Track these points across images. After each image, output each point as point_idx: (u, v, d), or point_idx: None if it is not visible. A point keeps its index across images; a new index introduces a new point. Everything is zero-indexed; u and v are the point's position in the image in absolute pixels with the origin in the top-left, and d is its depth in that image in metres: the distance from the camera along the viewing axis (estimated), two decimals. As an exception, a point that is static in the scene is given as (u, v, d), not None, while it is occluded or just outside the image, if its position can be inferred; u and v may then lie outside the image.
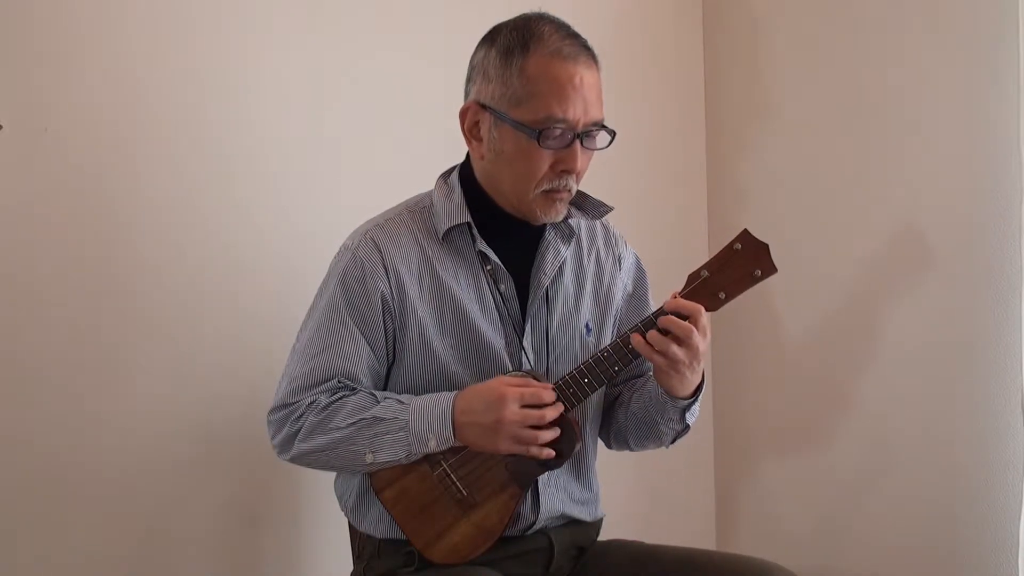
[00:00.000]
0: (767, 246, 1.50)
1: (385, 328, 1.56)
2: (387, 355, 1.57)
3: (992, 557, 2.11)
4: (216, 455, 1.90)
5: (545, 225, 1.61)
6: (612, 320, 1.70)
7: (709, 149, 2.67)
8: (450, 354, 1.56)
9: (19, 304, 1.72)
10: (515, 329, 1.59)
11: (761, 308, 2.48)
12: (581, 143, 1.51)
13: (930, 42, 2.21)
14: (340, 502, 1.68)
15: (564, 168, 1.51)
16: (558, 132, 1.48)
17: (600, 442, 1.75)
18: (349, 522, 1.67)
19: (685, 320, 1.47)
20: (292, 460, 1.56)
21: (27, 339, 1.72)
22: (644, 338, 1.48)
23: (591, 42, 1.53)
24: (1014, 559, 2.06)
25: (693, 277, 1.51)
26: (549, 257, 1.62)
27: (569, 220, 1.62)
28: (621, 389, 1.72)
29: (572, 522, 1.65)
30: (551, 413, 1.47)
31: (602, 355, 1.51)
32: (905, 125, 2.25)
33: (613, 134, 1.54)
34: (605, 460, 1.74)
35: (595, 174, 1.60)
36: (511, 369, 1.56)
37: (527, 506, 1.59)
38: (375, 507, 1.58)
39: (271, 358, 1.77)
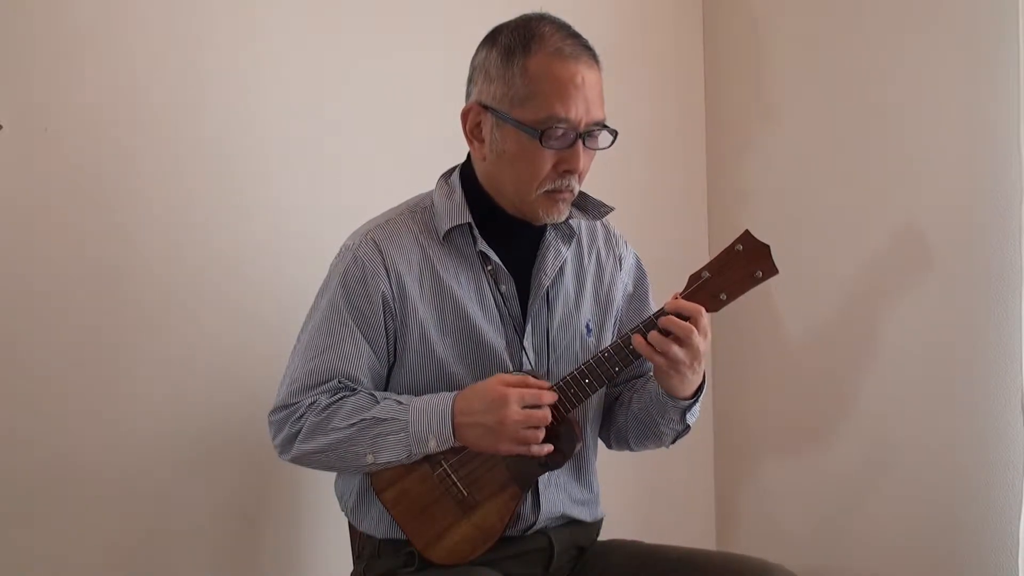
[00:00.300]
0: (768, 247, 1.50)
1: (386, 328, 1.56)
2: (388, 355, 1.57)
3: (992, 557, 2.11)
4: (216, 455, 1.90)
5: (546, 225, 1.61)
6: (612, 320, 1.70)
7: (709, 149, 2.67)
8: (451, 354, 1.56)
9: (19, 304, 1.71)
10: (516, 330, 1.59)
11: (761, 307, 2.48)
12: (583, 143, 1.50)
13: (930, 42, 2.21)
14: (340, 502, 1.68)
15: (566, 168, 1.51)
16: (560, 132, 1.48)
17: (600, 442, 1.75)
18: (349, 522, 1.67)
19: (686, 321, 1.47)
20: (293, 461, 1.56)
21: (27, 339, 1.72)
22: (645, 339, 1.48)
23: (591, 42, 1.53)
24: (1014, 559, 2.06)
25: (694, 278, 1.51)
26: (550, 257, 1.61)
27: (570, 220, 1.62)
28: (621, 389, 1.72)
29: (572, 522, 1.65)
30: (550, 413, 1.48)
31: (603, 356, 1.51)
32: (905, 125, 2.26)
33: (615, 134, 1.54)
34: (605, 460, 1.74)
35: (595, 174, 1.60)
36: (512, 370, 1.56)
37: (527, 506, 1.59)
38: (375, 507, 1.58)
39: (271, 358, 1.77)
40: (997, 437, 2.10)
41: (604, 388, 1.58)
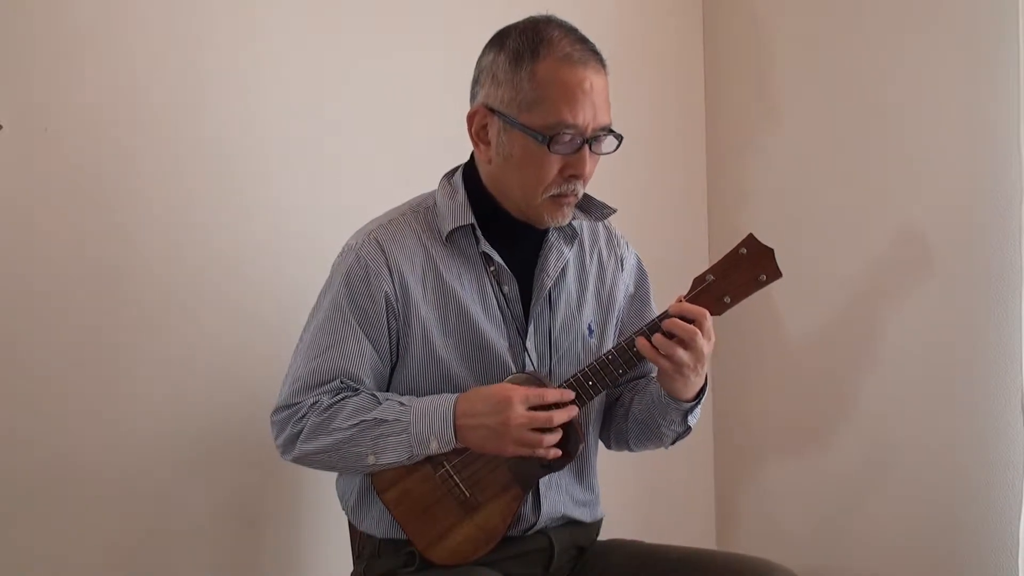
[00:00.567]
0: (772, 251, 1.50)
1: (388, 328, 1.55)
2: (390, 355, 1.57)
3: (992, 557, 2.11)
4: (216, 455, 1.90)
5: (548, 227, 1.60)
6: (614, 321, 1.70)
7: (709, 149, 2.67)
8: (453, 355, 1.56)
9: (19, 304, 1.71)
10: (518, 331, 1.59)
11: (761, 307, 2.47)
12: (590, 148, 1.50)
13: (930, 42, 2.21)
14: (341, 501, 1.67)
15: (572, 173, 1.51)
16: (567, 137, 1.48)
17: (599, 442, 1.75)
18: (349, 521, 1.67)
19: (690, 324, 1.47)
20: (296, 461, 1.56)
21: (27, 339, 1.72)
22: (649, 341, 1.48)
23: (592, 42, 1.53)
24: (1014, 559, 2.06)
25: (698, 281, 1.51)
26: (552, 259, 1.61)
27: (572, 221, 1.61)
28: (622, 390, 1.72)
29: (572, 522, 1.65)
30: (559, 416, 1.47)
31: (607, 358, 1.51)
32: (905, 125, 2.26)
33: (620, 138, 1.54)
34: (605, 460, 1.74)
35: (595, 174, 1.60)
36: (514, 371, 1.56)
37: (528, 507, 1.59)
38: (376, 507, 1.58)
39: (271, 358, 1.77)
40: (997, 437, 2.10)
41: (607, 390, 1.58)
